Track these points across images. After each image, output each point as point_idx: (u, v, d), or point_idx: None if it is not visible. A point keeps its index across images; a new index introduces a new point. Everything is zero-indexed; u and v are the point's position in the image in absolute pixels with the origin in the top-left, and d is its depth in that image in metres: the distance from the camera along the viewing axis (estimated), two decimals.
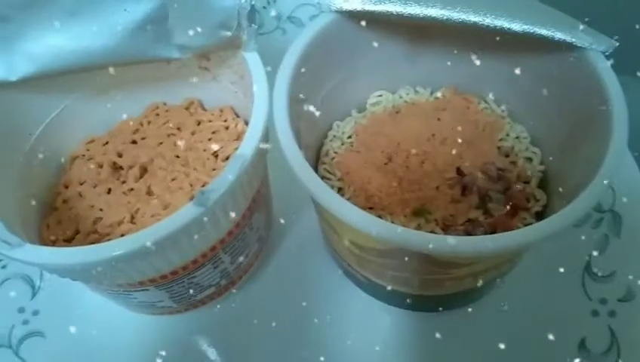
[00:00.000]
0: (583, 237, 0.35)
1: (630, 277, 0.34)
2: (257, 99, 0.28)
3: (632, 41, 0.32)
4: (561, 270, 0.34)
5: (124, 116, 0.36)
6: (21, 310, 0.35)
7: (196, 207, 0.24)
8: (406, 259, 0.26)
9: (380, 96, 0.36)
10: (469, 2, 0.28)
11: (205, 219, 0.25)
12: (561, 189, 0.30)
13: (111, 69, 0.30)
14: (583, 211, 0.24)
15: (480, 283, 0.29)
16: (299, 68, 0.29)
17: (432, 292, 0.30)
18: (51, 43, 0.28)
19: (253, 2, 0.27)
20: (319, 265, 0.35)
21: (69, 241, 0.31)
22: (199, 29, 0.28)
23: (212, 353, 0.33)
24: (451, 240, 0.23)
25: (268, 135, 0.28)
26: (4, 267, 0.36)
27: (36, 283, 0.36)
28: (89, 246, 0.24)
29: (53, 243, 0.31)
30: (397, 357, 0.33)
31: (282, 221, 0.37)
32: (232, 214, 0.27)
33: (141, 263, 0.26)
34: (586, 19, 0.29)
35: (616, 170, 0.24)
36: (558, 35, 0.28)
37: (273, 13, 0.46)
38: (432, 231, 0.30)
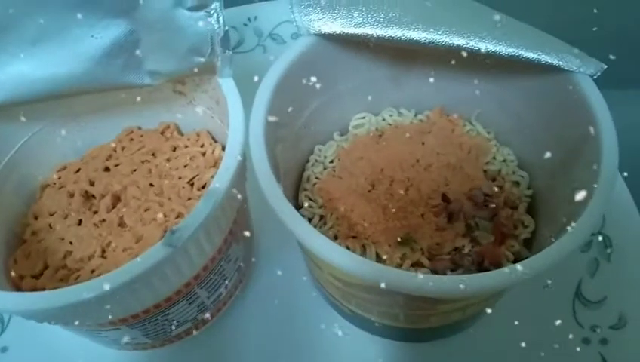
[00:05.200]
0: (573, 261, 0.34)
1: (621, 302, 0.33)
2: (232, 128, 0.26)
3: (624, 56, 0.31)
4: (551, 296, 0.33)
5: (98, 142, 0.34)
6: None
7: (165, 247, 0.23)
8: (389, 294, 0.25)
9: (363, 118, 0.35)
10: (452, 25, 0.27)
11: (177, 257, 0.24)
12: (550, 215, 0.29)
13: (78, 96, 0.29)
14: (575, 245, 0.23)
15: (467, 316, 0.28)
16: (277, 93, 0.28)
17: (419, 326, 0.29)
18: (16, 71, 0.27)
19: (226, 28, 0.26)
20: (303, 294, 0.34)
21: (37, 277, 0.29)
22: (171, 55, 0.27)
23: None
24: (436, 280, 0.22)
25: (245, 163, 0.27)
26: None
27: (5, 318, 0.34)
28: (52, 292, 0.22)
29: (21, 279, 0.29)
30: None
31: (264, 249, 0.36)
32: (207, 249, 0.26)
33: (110, 304, 0.24)
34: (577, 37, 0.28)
35: (608, 200, 0.24)
36: (545, 58, 0.27)
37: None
38: (417, 261, 0.29)
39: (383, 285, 0.22)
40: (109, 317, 0.25)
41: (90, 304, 0.23)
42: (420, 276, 0.22)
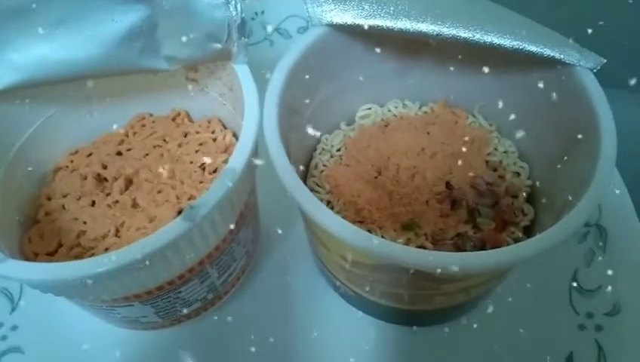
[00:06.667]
0: (570, 252, 0.36)
1: (616, 291, 0.34)
2: (248, 112, 0.27)
3: (621, 53, 0.33)
4: (548, 284, 0.34)
5: (109, 127, 0.35)
6: None
7: (184, 222, 0.23)
8: (396, 274, 0.26)
9: (369, 109, 0.36)
10: (460, 18, 0.28)
11: (193, 234, 0.25)
12: (549, 204, 0.30)
13: (92, 81, 0.30)
14: (572, 230, 0.24)
15: (470, 297, 0.29)
16: (289, 81, 0.29)
17: (423, 307, 0.30)
18: (37, 53, 0.28)
19: (244, 15, 0.27)
20: (307, 278, 0.35)
21: (51, 255, 0.30)
22: (188, 41, 0.28)
23: None
24: (441, 256, 0.23)
25: (257, 148, 0.28)
26: None
27: (15, 297, 0.35)
28: (75, 262, 0.23)
29: (36, 257, 0.30)
30: None
31: (270, 234, 0.37)
32: (220, 229, 0.27)
33: (127, 278, 0.25)
34: (574, 36, 0.29)
35: (605, 189, 0.25)
36: (547, 52, 0.28)
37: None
38: (421, 246, 0.30)
39: (391, 260, 0.23)
40: (125, 291, 0.26)
41: (110, 276, 0.24)
42: (425, 251, 0.23)
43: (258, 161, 0.27)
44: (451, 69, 0.34)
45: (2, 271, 0.23)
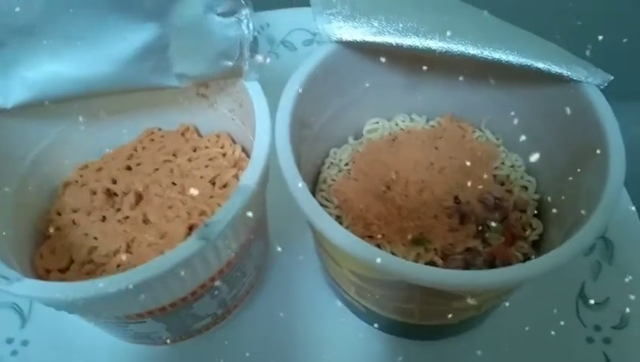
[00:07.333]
0: (577, 265, 0.36)
1: (623, 304, 0.34)
2: (259, 128, 0.28)
3: (624, 67, 0.33)
4: (556, 297, 0.34)
5: (119, 142, 0.35)
6: (10, 340, 0.34)
7: (199, 240, 0.24)
8: (406, 290, 0.26)
9: (377, 123, 0.36)
10: (468, 35, 0.29)
11: (207, 251, 0.25)
12: (557, 219, 0.31)
13: (102, 96, 0.30)
14: (581, 248, 0.24)
15: (480, 312, 0.29)
16: (300, 96, 0.29)
17: (433, 322, 0.30)
18: (48, 70, 0.28)
19: (255, 33, 0.27)
20: (316, 292, 0.35)
21: (63, 272, 0.30)
22: (200, 59, 0.28)
23: None
24: (452, 274, 0.23)
25: (268, 164, 0.28)
26: None
27: (25, 312, 0.35)
28: (90, 281, 0.23)
29: (48, 274, 0.30)
30: None
31: (278, 248, 0.37)
32: (233, 245, 0.27)
33: (140, 297, 0.25)
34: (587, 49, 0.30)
35: (614, 206, 0.25)
36: (554, 69, 0.29)
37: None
38: (431, 261, 0.30)
39: (399, 276, 0.23)
40: (139, 308, 0.26)
41: (123, 295, 0.24)
42: (433, 268, 0.23)
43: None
44: (458, 83, 0.34)
45: (19, 291, 0.23)
